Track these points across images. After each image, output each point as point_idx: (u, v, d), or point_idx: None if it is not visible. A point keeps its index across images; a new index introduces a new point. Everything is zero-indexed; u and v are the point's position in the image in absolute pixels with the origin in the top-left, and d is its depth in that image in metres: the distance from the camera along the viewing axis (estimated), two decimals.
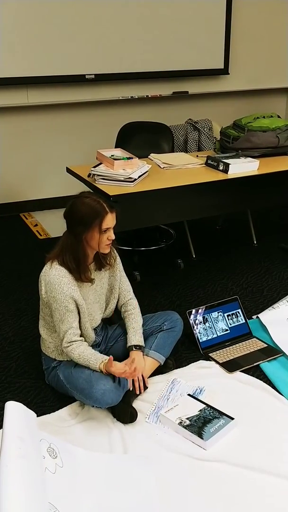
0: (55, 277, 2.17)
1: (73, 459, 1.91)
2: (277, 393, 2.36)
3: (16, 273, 3.48)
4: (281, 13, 4.99)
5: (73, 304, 2.20)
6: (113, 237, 2.20)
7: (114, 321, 2.55)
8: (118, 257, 2.41)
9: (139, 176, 3.00)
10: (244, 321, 2.79)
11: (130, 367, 2.15)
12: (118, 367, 2.13)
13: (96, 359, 2.18)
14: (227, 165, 3.17)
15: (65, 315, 2.19)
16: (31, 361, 2.58)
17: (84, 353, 2.19)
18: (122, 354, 2.42)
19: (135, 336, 2.38)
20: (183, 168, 3.28)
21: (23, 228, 4.30)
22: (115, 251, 2.39)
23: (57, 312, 2.19)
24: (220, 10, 4.63)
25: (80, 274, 2.21)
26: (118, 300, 2.45)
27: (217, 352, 2.64)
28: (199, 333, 2.67)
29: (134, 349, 2.35)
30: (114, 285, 2.41)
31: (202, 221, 4.11)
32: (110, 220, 2.16)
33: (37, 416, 1.99)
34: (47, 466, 1.77)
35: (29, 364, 2.56)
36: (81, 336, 2.27)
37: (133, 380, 2.28)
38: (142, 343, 2.38)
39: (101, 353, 2.37)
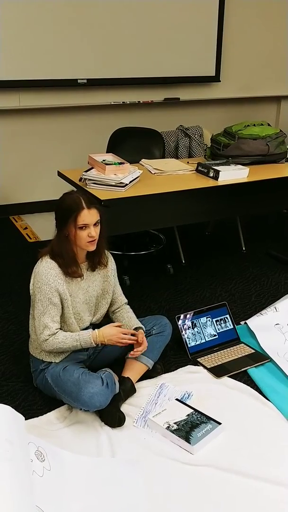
0: (44, 269, 2.20)
1: (61, 463, 1.91)
2: (264, 398, 2.38)
3: (5, 276, 3.47)
4: (273, 22, 5.05)
5: (57, 298, 2.21)
6: (93, 234, 2.19)
7: (103, 325, 2.56)
8: (114, 264, 2.44)
9: (130, 181, 3.01)
10: (232, 326, 2.81)
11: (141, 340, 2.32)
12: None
13: (87, 333, 2.23)
14: (217, 172, 3.20)
15: (48, 307, 2.19)
16: (19, 364, 2.57)
17: (68, 333, 2.23)
18: (112, 357, 2.44)
19: (136, 320, 2.46)
20: (173, 174, 3.30)
21: (12, 231, 4.29)
22: (109, 256, 2.41)
23: (40, 303, 2.20)
24: (212, 18, 4.68)
25: (66, 268, 2.22)
26: (111, 305, 2.47)
27: (205, 357, 2.65)
28: (187, 338, 2.68)
29: (139, 329, 2.41)
30: (108, 290, 2.42)
31: (192, 227, 4.13)
32: (86, 216, 2.16)
33: (25, 419, 1.99)
34: (34, 469, 1.77)
35: (17, 367, 2.56)
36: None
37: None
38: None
39: (89, 357, 2.39)
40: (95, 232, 2.19)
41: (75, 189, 2.30)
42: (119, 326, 2.31)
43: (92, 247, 2.23)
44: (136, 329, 2.39)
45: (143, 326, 2.44)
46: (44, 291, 2.18)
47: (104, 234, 2.27)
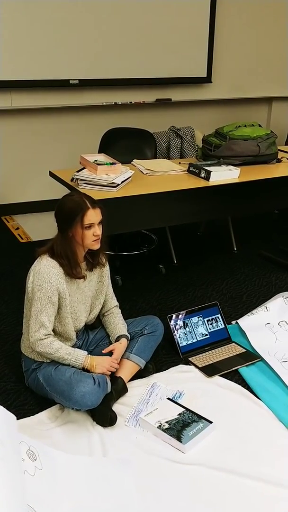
0: (45, 267, 2.20)
1: (53, 462, 1.91)
2: (255, 397, 2.40)
3: None
4: (264, 24, 5.07)
5: (56, 297, 2.22)
6: (98, 233, 2.23)
7: (96, 325, 2.57)
8: (107, 265, 2.44)
9: (122, 182, 3.02)
10: (223, 326, 2.83)
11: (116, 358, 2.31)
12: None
13: (82, 352, 2.24)
14: (208, 173, 3.21)
15: (46, 306, 2.20)
16: (11, 364, 2.57)
17: (64, 345, 2.24)
18: None
19: (124, 327, 2.46)
20: (165, 175, 3.31)
21: (4, 231, 4.28)
22: (105, 257, 2.42)
23: (39, 301, 2.20)
24: (204, 19, 4.70)
25: (71, 269, 2.24)
26: (102, 307, 2.48)
27: (197, 356, 2.67)
28: (179, 337, 2.69)
29: (122, 337, 2.41)
30: (101, 291, 2.44)
31: (184, 227, 4.15)
32: (92, 216, 2.20)
33: (17, 419, 1.99)
34: (26, 469, 1.78)
35: (9, 367, 2.56)
36: (60, 333, 2.31)
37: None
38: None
39: None
40: (100, 230, 2.23)
41: (69, 191, 2.32)
42: (111, 354, 2.35)
43: (97, 246, 2.27)
44: (118, 337, 2.41)
45: (127, 334, 2.45)
46: (45, 289, 2.19)
47: (103, 233, 2.29)
